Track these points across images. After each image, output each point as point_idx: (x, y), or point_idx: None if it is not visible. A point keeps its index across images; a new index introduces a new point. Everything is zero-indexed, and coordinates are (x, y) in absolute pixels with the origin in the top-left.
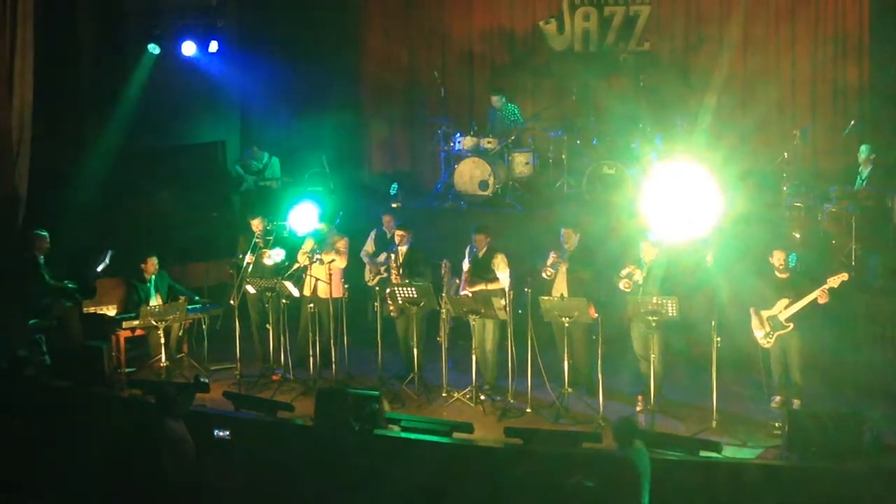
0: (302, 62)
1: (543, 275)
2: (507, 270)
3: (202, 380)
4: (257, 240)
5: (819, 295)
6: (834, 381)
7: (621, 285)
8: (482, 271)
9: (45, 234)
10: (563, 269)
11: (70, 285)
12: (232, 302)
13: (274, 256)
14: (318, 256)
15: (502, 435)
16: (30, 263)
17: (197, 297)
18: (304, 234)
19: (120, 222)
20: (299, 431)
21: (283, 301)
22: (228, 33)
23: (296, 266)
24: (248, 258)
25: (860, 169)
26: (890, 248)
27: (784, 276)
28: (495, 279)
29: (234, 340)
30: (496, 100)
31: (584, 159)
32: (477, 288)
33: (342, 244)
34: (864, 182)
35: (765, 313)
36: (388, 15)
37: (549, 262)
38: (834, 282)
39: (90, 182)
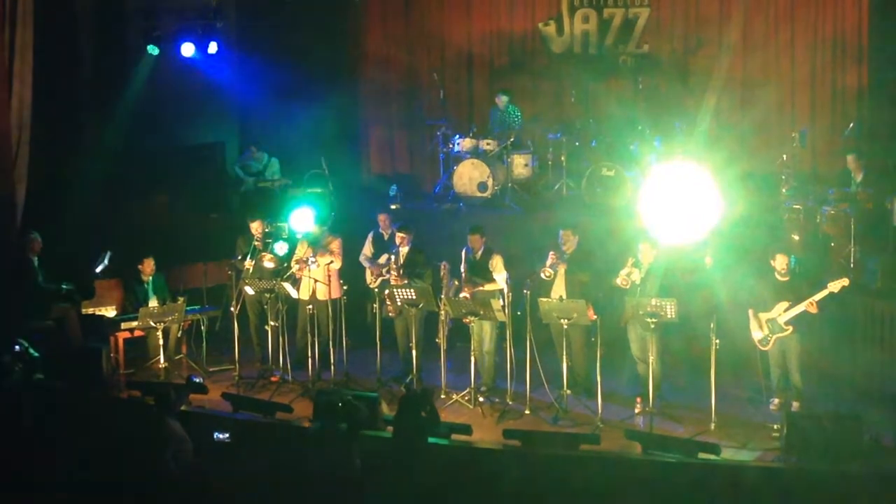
0: (301, 64)
1: (542, 276)
2: (505, 272)
3: (195, 380)
4: (256, 243)
5: (808, 306)
6: (833, 384)
7: (618, 281)
8: (480, 273)
9: (37, 235)
10: (561, 270)
11: (65, 287)
12: (232, 309)
13: (277, 250)
14: (313, 261)
15: (501, 437)
16: (25, 265)
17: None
18: (298, 237)
19: (119, 223)
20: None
21: (282, 306)
22: (227, 35)
23: (291, 272)
24: (248, 263)
25: (852, 175)
26: (889, 250)
27: (784, 279)
28: (492, 280)
29: (232, 342)
30: (503, 101)
31: (583, 161)
32: (474, 290)
33: (336, 245)
34: (860, 186)
35: (763, 316)
36: (388, 17)
37: (548, 263)
38: (835, 286)
39: (89, 183)
